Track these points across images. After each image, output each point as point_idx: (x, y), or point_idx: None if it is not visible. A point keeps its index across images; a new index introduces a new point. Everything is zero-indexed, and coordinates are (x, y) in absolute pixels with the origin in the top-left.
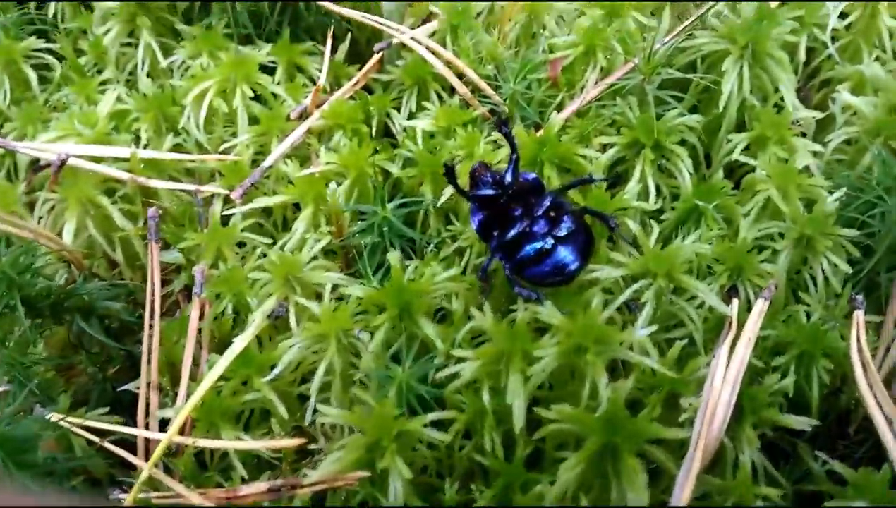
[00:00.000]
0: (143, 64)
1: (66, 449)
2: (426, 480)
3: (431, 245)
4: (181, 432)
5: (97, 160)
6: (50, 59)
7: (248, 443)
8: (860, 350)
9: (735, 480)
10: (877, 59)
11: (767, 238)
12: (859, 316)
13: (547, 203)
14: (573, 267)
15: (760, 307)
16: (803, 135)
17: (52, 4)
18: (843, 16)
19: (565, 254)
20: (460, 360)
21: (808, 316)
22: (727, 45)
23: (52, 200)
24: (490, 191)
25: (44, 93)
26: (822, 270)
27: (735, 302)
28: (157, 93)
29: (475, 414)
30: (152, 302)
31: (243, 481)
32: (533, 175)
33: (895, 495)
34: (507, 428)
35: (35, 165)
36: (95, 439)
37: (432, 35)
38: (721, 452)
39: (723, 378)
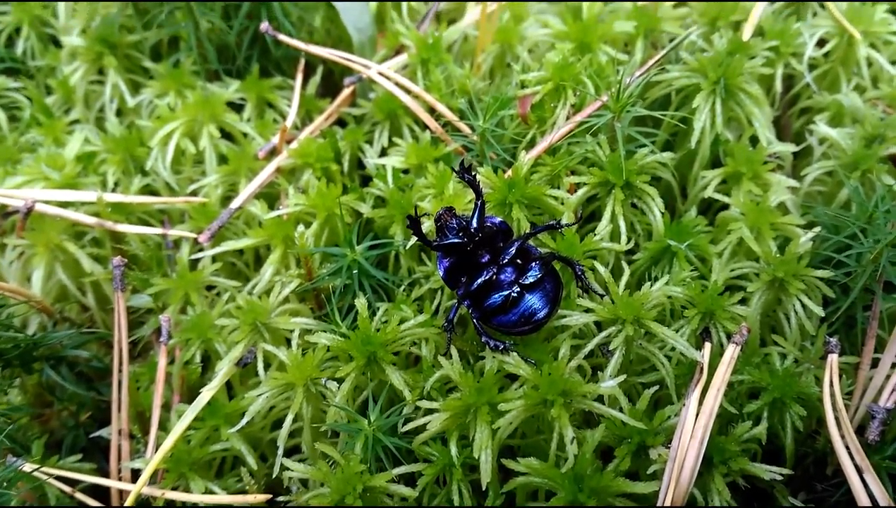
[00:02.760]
0: (110, 103)
1: (41, 498)
2: None
3: (403, 286)
4: (153, 480)
5: (64, 205)
6: (19, 97)
7: (219, 497)
8: (833, 395)
9: None
10: (856, 87)
11: (742, 278)
12: (833, 359)
13: (513, 250)
14: (540, 315)
15: (731, 353)
16: (780, 168)
17: (21, 42)
18: (821, 43)
19: (533, 302)
20: (429, 412)
21: (784, 357)
22: (699, 80)
23: (21, 246)
24: (454, 240)
25: (14, 133)
26: (796, 312)
27: (707, 346)
28: (125, 134)
29: (444, 467)
30: (120, 350)
31: None
32: (499, 219)
33: None
34: (477, 479)
35: (3, 211)
36: (67, 489)
37: (403, 69)
38: (692, 503)
39: (692, 428)
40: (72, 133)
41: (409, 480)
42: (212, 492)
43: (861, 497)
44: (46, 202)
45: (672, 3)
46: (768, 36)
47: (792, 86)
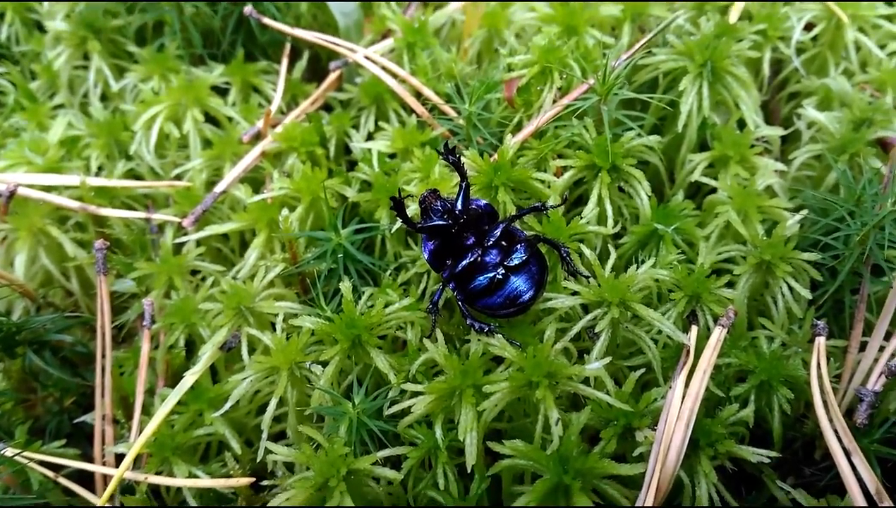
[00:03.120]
0: (94, 88)
1: (24, 483)
2: None
3: (389, 270)
4: (136, 465)
5: (48, 189)
6: (4, 83)
7: (202, 481)
8: (820, 378)
9: None
10: (844, 71)
11: (729, 261)
12: (820, 342)
13: (498, 232)
14: (525, 297)
15: (717, 336)
16: (768, 152)
17: (5, 28)
18: (809, 27)
19: (518, 284)
20: (414, 394)
21: (771, 341)
22: (686, 63)
23: (4, 231)
24: (438, 222)
25: None
26: (783, 295)
27: (694, 329)
28: (109, 119)
29: (429, 450)
30: (103, 335)
31: None
32: (485, 202)
33: None
34: (462, 463)
35: None
36: (51, 474)
37: (390, 53)
38: (679, 485)
39: (678, 411)
40: (55, 117)
41: (395, 463)
42: (195, 476)
43: (849, 479)
44: (29, 186)
45: None
46: (756, 19)
47: (780, 70)
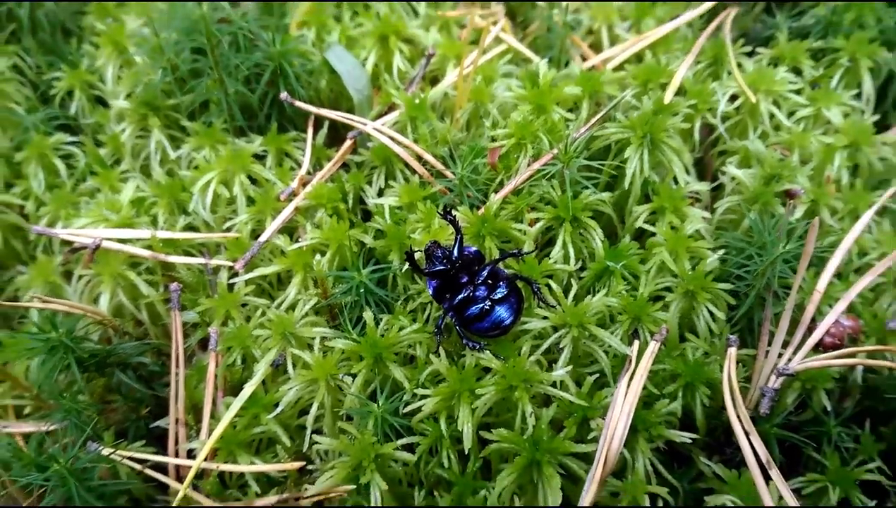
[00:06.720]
0: (155, 155)
1: (114, 476)
2: (400, 490)
3: (400, 301)
4: (206, 459)
5: (123, 241)
6: (74, 150)
7: (260, 466)
8: (730, 379)
9: (630, 482)
10: (761, 134)
11: (664, 290)
12: (731, 352)
13: (486, 273)
14: (507, 322)
15: (653, 348)
16: (698, 201)
17: (74, 103)
18: (735, 98)
19: (501, 312)
20: (423, 397)
21: (696, 351)
22: (630, 134)
23: (87, 275)
24: (440, 267)
25: (71, 180)
26: (704, 316)
27: (636, 343)
28: (169, 182)
29: (436, 439)
30: (177, 355)
31: (257, 496)
32: (475, 248)
33: (754, 490)
34: (461, 448)
35: (70, 246)
36: (138, 466)
37: (395, 124)
38: (623, 460)
39: (622, 404)
40: (125, 181)
41: (410, 449)
42: (255, 464)
43: (748, 452)
44: (109, 239)
45: (612, 68)
46: (689, 95)
47: (713, 131)
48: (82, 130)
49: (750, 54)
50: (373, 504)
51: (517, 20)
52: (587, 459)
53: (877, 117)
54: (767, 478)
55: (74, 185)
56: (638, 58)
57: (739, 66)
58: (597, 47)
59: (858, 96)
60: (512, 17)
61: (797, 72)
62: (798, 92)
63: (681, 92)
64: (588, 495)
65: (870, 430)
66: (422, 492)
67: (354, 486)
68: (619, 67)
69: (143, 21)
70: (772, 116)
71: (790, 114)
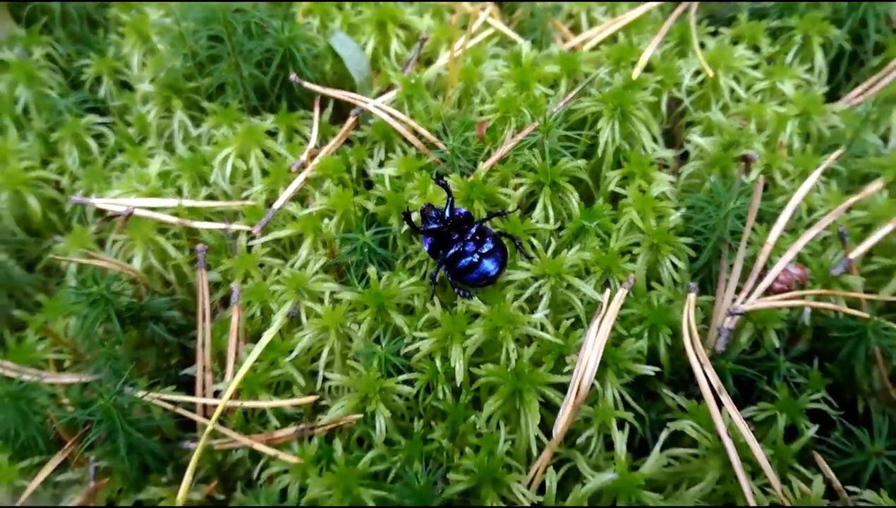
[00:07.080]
0: (178, 133)
1: (149, 415)
2: (402, 424)
3: (399, 259)
4: (231, 398)
5: (153, 209)
6: (105, 130)
7: (279, 402)
8: (689, 321)
9: (600, 408)
10: (723, 106)
11: (632, 244)
12: (691, 298)
13: (474, 230)
14: (493, 273)
15: (620, 294)
16: (665, 167)
17: (103, 87)
18: (698, 74)
19: (488, 264)
20: (421, 339)
21: (660, 297)
22: (603, 107)
23: (120, 240)
24: (435, 226)
25: (102, 156)
26: (668, 266)
27: (607, 291)
28: (192, 157)
29: (432, 375)
30: (203, 309)
31: (277, 428)
32: (465, 210)
33: (708, 412)
34: (454, 383)
35: (104, 215)
36: (170, 407)
37: (393, 102)
38: (595, 390)
39: (593, 342)
40: (152, 156)
41: (409, 384)
42: (273, 401)
43: (702, 382)
44: (140, 207)
45: (589, 48)
46: (657, 71)
47: (680, 104)
48: (110, 112)
49: (714, 34)
50: (378, 432)
51: (503, 6)
52: (563, 389)
53: (827, 89)
54: (720, 405)
55: (105, 161)
56: (613, 39)
57: (702, 45)
58: (576, 30)
59: (812, 70)
60: (499, 3)
61: (756, 49)
62: (755, 67)
63: (650, 69)
64: (563, 417)
65: (818, 368)
66: (420, 422)
67: (361, 415)
68: (596, 48)
69: (164, 12)
70: (732, 90)
71: (748, 88)
